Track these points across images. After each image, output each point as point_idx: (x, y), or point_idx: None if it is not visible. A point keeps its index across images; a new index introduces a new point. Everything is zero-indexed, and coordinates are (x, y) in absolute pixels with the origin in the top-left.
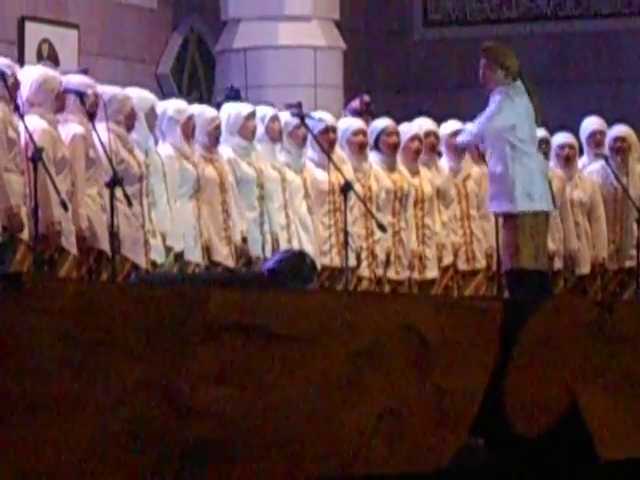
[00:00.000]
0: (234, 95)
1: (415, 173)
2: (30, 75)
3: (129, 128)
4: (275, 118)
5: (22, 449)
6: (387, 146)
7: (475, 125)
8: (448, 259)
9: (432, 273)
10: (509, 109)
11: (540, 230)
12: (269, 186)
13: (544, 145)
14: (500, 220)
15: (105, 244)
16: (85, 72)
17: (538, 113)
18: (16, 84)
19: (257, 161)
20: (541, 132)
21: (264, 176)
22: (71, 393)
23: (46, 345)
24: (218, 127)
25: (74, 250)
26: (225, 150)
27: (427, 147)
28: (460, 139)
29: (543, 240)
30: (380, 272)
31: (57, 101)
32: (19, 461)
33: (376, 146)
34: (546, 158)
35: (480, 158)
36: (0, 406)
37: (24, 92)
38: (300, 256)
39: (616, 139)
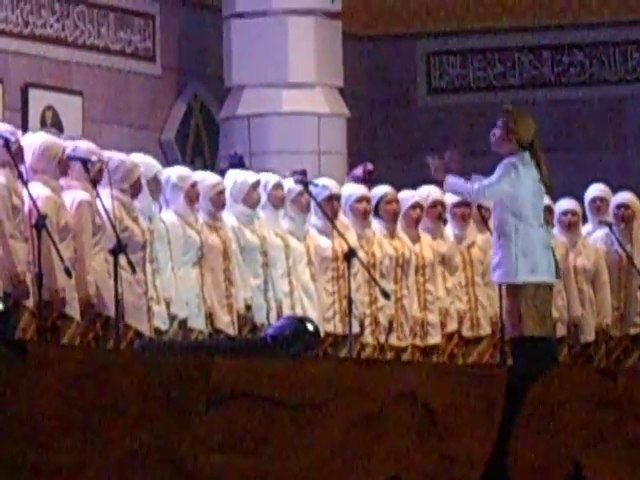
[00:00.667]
0: (238, 162)
1: (416, 240)
2: (32, 142)
3: (134, 195)
4: (278, 186)
5: None
6: (387, 214)
7: (478, 184)
8: (453, 326)
9: (434, 339)
10: (514, 179)
11: (543, 299)
12: (272, 253)
13: (546, 213)
14: (503, 288)
15: (112, 310)
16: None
17: (546, 182)
18: (20, 150)
19: (260, 229)
20: (544, 200)
21: (267, 243)
22: (74, 460)
23: (49, 411)
24: (221, 193)
25: (77, 317)
26: (228, 218)
27: (434, 216)
28: (456, 188)
29: (547, 308)
30: (383, 339)
31: (60, 167)
32: None
33: (376, 213)
34: (549, 225)
35: (484, 225)
36: (4, 472)
37: (27, 159)
38: (302, 322)
39: (620, 206)
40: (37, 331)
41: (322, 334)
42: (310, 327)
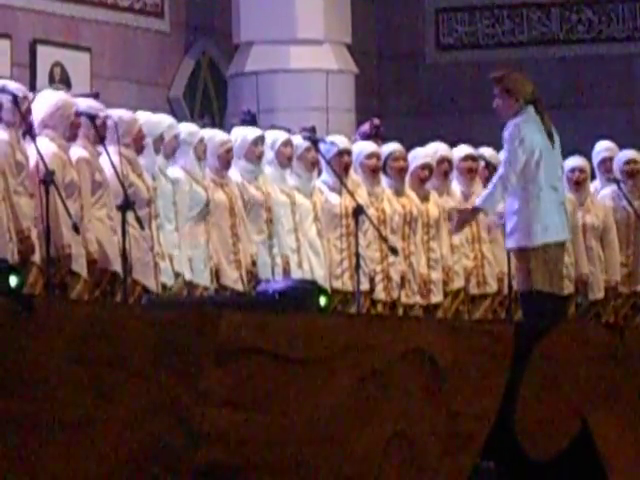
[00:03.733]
0: (250, 119)
1: (424, 198)
2: (48, 99)
3: (138, 151)
4: (287, 143)
5: (34, 471)
6: (394, 171)
7: (497, 177)
8: (459, 283)
9: (437, 298)
10: (521, 144)
11: (553, 257)
12: (277, 209)
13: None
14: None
15: (118, 265)
16: (96, 96)
17: (550, 134)
18: (28, 108)
19: (264, 184)
20: (558, 156)
21: (272, 199)
22: (82, 415)
23: (57, 367)
24: (229, 150)
25: (84, 273)
26: (233, 173)
27: (440, 173)
28: (492, 199)
29: (557, 265)
30: (395, 295)
31: (71, 127)
32: None
33: (384, 170)
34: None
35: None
36: (11, 428)
37: (39, 114)
38: (307, 285)
39: (627, 162)
40: (45, 287)
41: (330, 291)
42: (322, 301)
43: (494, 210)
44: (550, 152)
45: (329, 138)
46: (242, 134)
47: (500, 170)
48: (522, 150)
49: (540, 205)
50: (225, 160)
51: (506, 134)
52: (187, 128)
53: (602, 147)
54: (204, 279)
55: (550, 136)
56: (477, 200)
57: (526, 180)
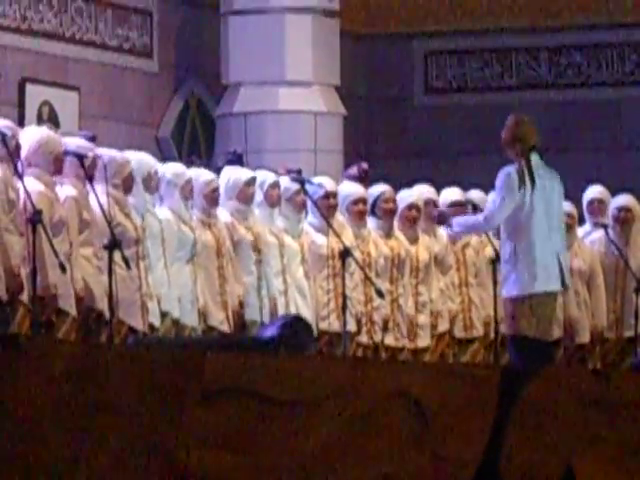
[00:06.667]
0: (236, 159)
1: (414, 240)
2: (31, 135)
3: (126, 191)
4: (275, 185)
5: None
6: (384, 212)
7: (484, 214)
8: (444, 326)
9: (424, 342)
10: (513, 191)
11: (540, 303)
12: (266, 251)
13: None
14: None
15: (103, 304)
16: (93, 139)
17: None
18: (17, 146)
19: (255, 225)
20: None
21: (261, 240)
22: (67, 456)
23: (43, 407)
24: (215, 190)
25: (73, 312)
26: (223, 214)
27: (426, 215)
28: (466, 226)
29: (546, 312)
30: (378, 338)
31: (55, 163)
32: None
33: (372, 212)
34: None
35: None
36: None
37: (23, 151)
38: (297, 322)
39: (620, 209)
40: (31, 326)
41: (317, 333)
42: (303, 326)
43: (458, 232)
44: (545, 202)
45: (316, 179)
46: (234, 175)
47: (486, 210)
48: (511, 200)
49: (530, 255)
50: (211, 200)
51: (498, 182)
52: (173, 169)
53: (592, 191)
54: (192, 320)
55: (546, 184)
56: (455, 218)
57: (517, 230)
